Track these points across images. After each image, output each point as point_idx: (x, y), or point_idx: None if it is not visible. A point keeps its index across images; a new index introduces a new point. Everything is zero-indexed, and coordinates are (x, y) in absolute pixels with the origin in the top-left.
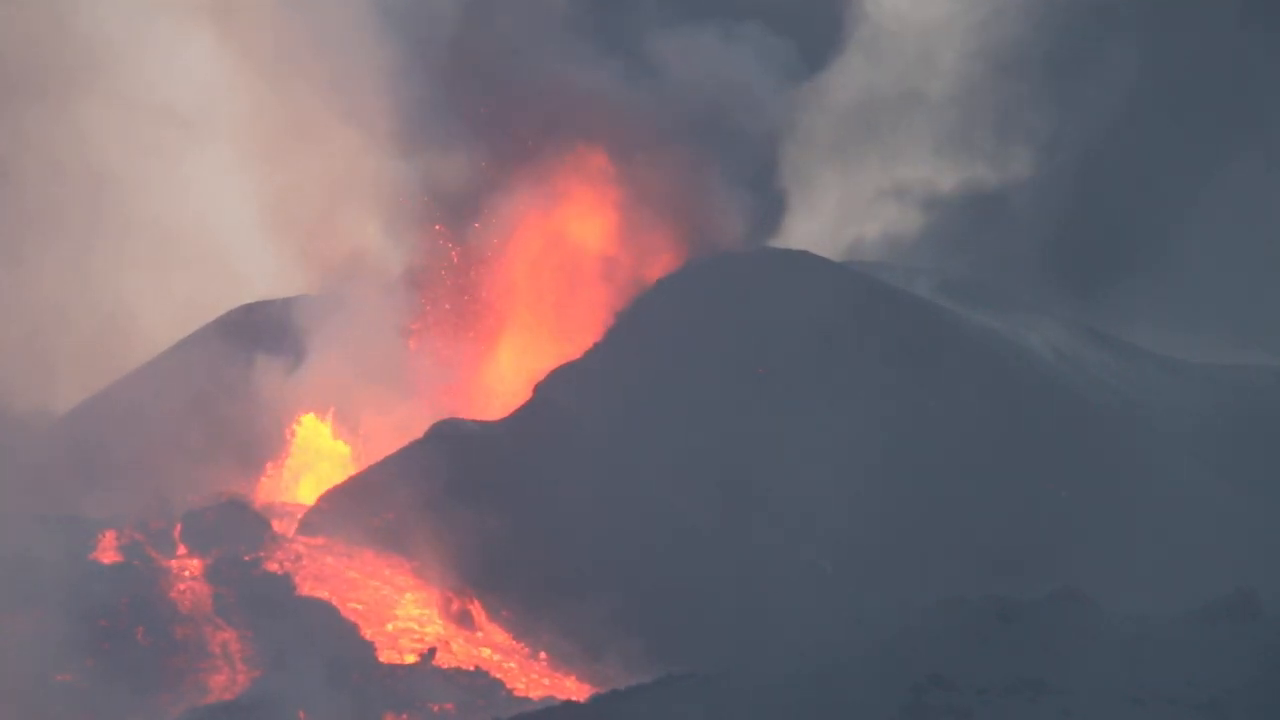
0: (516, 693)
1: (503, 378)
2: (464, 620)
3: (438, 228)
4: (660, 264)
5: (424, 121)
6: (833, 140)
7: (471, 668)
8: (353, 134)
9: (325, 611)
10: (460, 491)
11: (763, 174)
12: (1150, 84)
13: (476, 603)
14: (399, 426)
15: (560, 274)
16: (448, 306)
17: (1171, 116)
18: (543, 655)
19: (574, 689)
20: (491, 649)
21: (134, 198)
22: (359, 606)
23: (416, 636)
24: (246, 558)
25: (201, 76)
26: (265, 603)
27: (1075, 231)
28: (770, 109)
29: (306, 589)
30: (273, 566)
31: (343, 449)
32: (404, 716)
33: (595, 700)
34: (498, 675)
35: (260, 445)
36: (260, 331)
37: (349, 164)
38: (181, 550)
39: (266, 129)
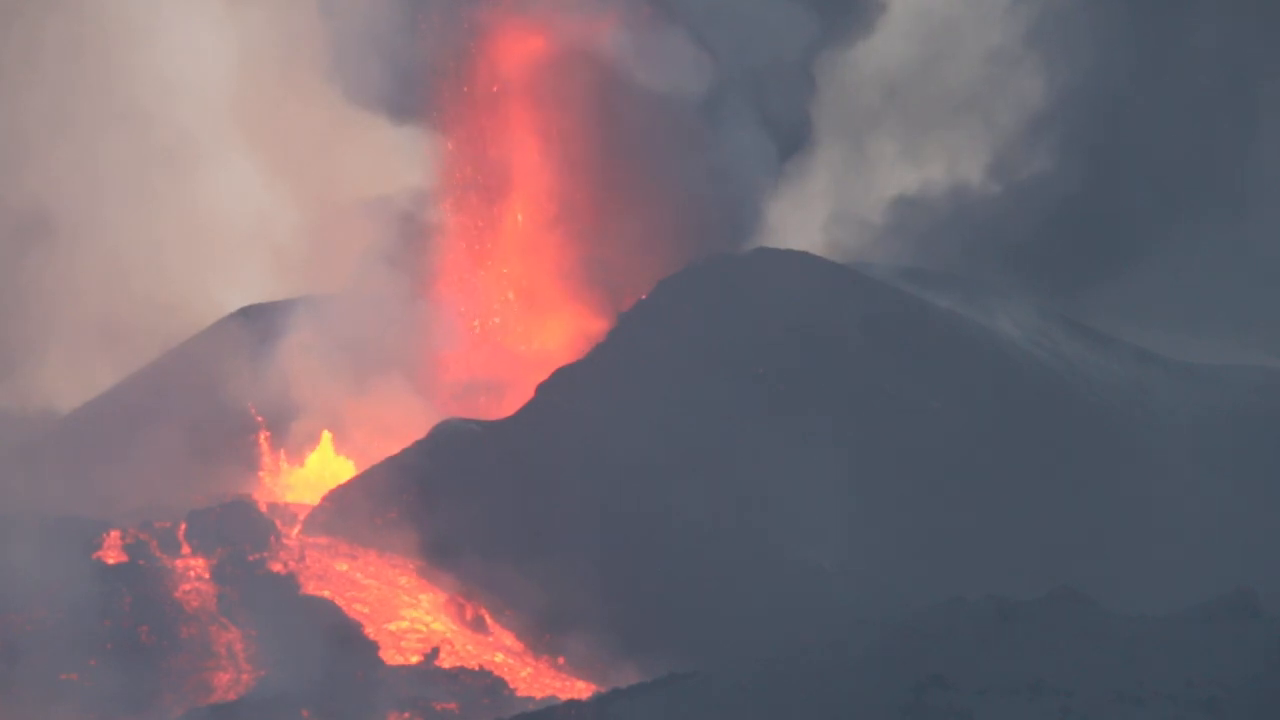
0: (520, 692)
1: (502, 365)
2: (477, 625)
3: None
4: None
5: (422, 90)
6: (839, 126)
7: (475, 667)
8: (350, 104)
9: (329, 611)
10: (463, 491)
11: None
12: (1150, 79)
13: (482, 603)
14: (402, 424)
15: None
16: (449, 285)
17: (1171, 111)
18: (558, 658)
19: (578, 689)
20: (504, 653)
21: (133, 196)
22: (363, 607)
23: (420, 636)
24: (251, 558)
25: (204, 52)
26: (269, 602)
27: (1075, 231)
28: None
29: (310, 588)
30: (277, 566)
31: (345, 463)
32: (407, 716)
33: (597, 699)
34: (501, 674)
35: (264, 445)
36: (262, 332)
37: (346, 135)
38: (186, 550)
39: (265, 104)
